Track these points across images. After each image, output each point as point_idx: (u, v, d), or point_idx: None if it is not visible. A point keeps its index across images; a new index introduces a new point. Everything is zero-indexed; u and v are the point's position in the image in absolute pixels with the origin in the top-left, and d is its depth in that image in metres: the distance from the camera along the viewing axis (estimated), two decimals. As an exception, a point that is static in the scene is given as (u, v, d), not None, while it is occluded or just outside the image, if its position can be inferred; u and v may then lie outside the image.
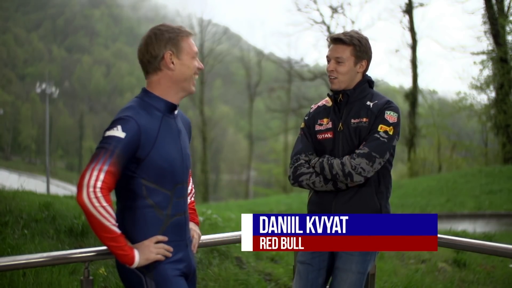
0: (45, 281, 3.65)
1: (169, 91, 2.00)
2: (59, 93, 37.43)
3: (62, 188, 33.38)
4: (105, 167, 1.77)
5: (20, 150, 62.03)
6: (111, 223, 1.78)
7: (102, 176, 1.76)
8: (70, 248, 4.26)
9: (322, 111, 2.56)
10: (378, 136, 2.35)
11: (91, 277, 2.12)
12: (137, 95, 2.03)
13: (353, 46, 2.42)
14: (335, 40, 2.45)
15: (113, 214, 1.80)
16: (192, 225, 2.18)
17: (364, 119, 2.41)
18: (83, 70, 68.45)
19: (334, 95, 2.51)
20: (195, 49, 2.02)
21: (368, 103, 2.45)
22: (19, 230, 4.54)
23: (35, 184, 13.33)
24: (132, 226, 1.92)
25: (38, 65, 65.24)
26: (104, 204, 1.76)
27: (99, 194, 1.75)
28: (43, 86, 30.66)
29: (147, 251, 1.87)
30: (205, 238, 2.49)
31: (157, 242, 1.92)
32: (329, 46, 2.50)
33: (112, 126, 1.84)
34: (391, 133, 2.36)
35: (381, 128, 2.36)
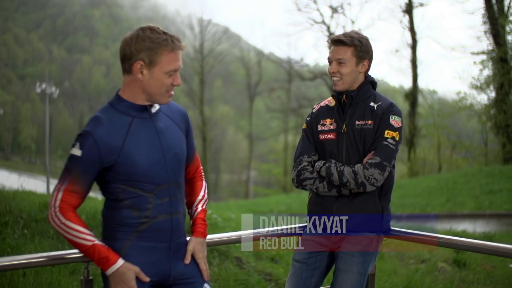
0: (45, 281, 3.64)
1: (137, 96, 1.95)
2: (59, 93, 37.42)
3: (62, 188, 33.30)
4: (63, 186, 1.86)
5: (20, 150, 62.00)
6: (76, 237, 1.85)
7: (60, 196, 1.86)
8: (70, 248, 4.26)
9: (325, 112, 2.56)
10: (387, 143, 2.36)
11: (91, 277, 2.11)
12: (109, 100, 2.00)
13: (354, 47, 2.42)
14: (336, 42, 2.45)
15: (78, 228, 1.85)
16: (193, 240, 2.07)
17: (369, 122, 2.41)
18: (83, 70, 68.43)
19: (338, 95, 2.51)
20: (174, 66, 1.90)
21: (372, 104, 2.45)
22: (19, 230, 4.53)
23: (35, 184, 13.31)
24: (110, 224, 1.96)
25: (38, 65, 65.23)
26: (63, 220, 1.84)
27: (58, 213, 1.84)
28: (43, 86, 30.64)
29: (126, 280, 1.86)
30: (205, 238, 2.48)
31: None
32: (329, 48, 2.49)
33: (74, 143, 1.90)
34: (397, 138, 2.38)
35: (388, 134, 2.37)
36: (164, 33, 1.90)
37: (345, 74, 2.43)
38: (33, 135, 59.61)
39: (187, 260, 2.03)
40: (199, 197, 2.17)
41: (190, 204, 2.17)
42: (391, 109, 2.42)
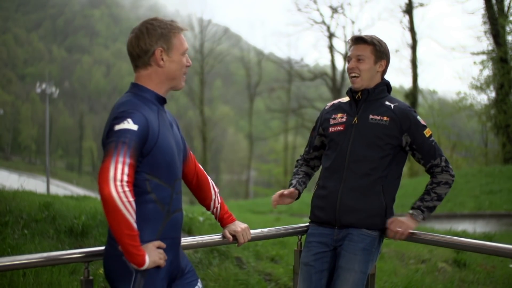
0: (45, 281, 3.64)
1: (160, 86, 1.97)
2: (59, 93, 37.42)
3: (62, 188, 33.38)
4: (127, 160, 1.69)
5: (20, 150, 62.03)
6: (134, 219, 1.69)
7: (126, 170, 1.68)
8: (70, 248, 4.26)
9: (337, 107, 2.65)
10: (431, 141, 2.48)
11: (91, 277, 2.11)
12: (128, 90, 1.97)
13: (373, 46, 2.52)
14: (357, 40, 2.55)
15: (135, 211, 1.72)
16: (237, 223, 2.33)
17: (385, 118, 2.47)
18: (83, 70, 68.49)
19: (352, 93, 2.58)
20: (186, 45, 1.99)
21: (387, 103, 2.53)
22: (19, 230, 4.53)
23: (35, 184, 13.30)
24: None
25: (38, 65, 65.30)
26: (130, 199, 1.67)
27: (126, 189, 1.67)
28: (43, 86, 30.68)
29: (154, 255, 1.81)
30: (205, 238, 2.49)
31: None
32: (350, 48, 2.58)
33: (120, 119, 1.76)
34: (430, 132, 2.52)
35: (427, 133, 2.50)
36: (165, 20, 1.99)
37: (364, 70, 2.50)
38: (33, 135, 59.64)
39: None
40: (213, 196, 2.29)
41: (208, 203, 2.29)
42: (412, 109, 2.53)
